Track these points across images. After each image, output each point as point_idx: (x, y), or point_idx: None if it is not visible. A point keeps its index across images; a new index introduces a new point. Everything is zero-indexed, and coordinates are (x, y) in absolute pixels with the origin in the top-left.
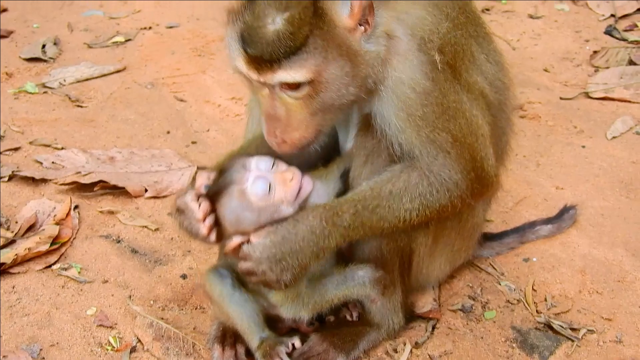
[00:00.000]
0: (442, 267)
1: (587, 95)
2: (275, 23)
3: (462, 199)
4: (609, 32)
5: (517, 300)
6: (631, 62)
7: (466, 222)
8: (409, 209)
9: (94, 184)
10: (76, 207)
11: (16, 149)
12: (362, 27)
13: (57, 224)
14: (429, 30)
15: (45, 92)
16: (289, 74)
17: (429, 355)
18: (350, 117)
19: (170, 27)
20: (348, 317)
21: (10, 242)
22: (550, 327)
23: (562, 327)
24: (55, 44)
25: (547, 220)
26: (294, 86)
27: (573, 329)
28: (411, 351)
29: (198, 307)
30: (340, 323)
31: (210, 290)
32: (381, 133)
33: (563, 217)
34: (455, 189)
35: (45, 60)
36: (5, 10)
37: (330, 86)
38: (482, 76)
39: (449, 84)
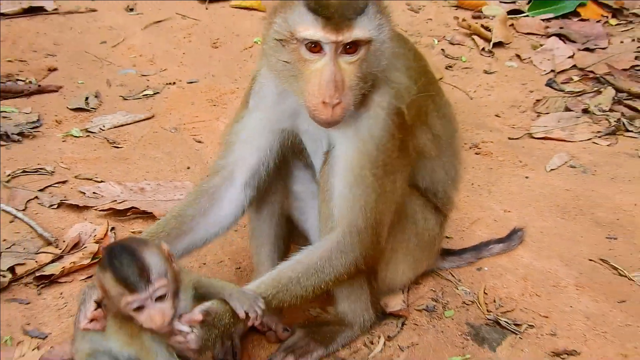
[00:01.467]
0: (406, 273)
1: (530, 135)
2: None
3: (357, 269)
4: (549, 84)
5: (471, 301)
6: (567, 109)
7: (422, 235)
8: (317, 282)
9: (127, 210)
10: (112, 228)
11: (64, 182)
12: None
13: (97, 242)
14: (405, 89)
15: (87, 136)
16: (360, 30)
17: (399, 346)
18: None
19: (191, 83)
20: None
21: (58, 258)
22: (498, 323)
23: (508, 323)
24: (96, 96)
25: (499, 240)
26: (354, 49)
27: (516, 325)
28: (384, 343)
29: None
30: (321, 322)
31: None
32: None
33: (512, 237)
34: (356, 261)
35: (88, 110)
36: (55, 69)
37: (377, 52)
38: (429, 134)
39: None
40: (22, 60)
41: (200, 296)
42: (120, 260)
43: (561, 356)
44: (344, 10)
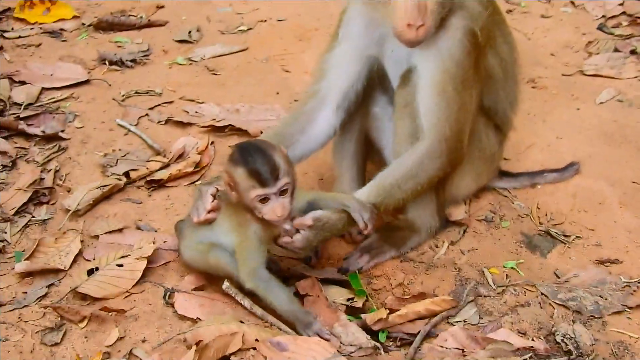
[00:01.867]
0: (469, 185)
1: (582, 72)
2: None
3: (445, 172)
4: (600, 28)
5: (525, 214)
6: (616, 50)
7: (484, 151)
8: (413, 186)
9: (225, 127)
10: (212, 142)
11: (170, 102)
12: None
13: (199, 154)
14: (478, 14)
15: (190, 64)
16: None
17: (460, 250)
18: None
19: (280, 20)
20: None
21: (166, 166)
22: (549, 234)
23: (557, 233)
24: (198, 30)
25: (555, 170)
26: None
27: (565, 235)
28: (448, 247)
29: None
30: (393, 227)
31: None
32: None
33: (567, 169)
34: (444, 166)
35: (191, 42)
36: (162, 7)
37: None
38: (497, 57)
39: (473, 57)
40: None
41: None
42: (254, 157)
43: (605, 264)
44: None
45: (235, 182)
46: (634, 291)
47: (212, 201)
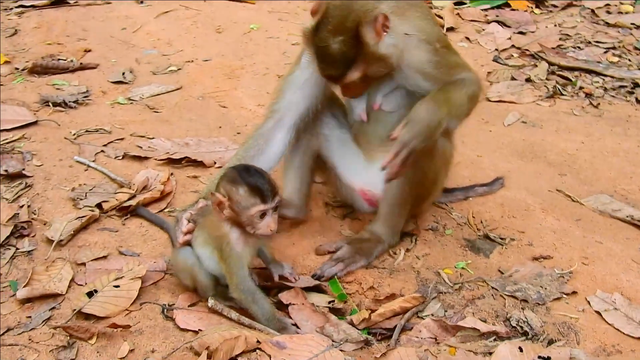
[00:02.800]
0: (438, 195)
1: (488, 99)
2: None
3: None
4: (495, 59)
5: (464, 223)
6: (513, 78)
7: (449, 163)
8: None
9: (181, 159)
10: (172, 174)
11: (122, 139)
12: (384, 32)
13: (162, 184)
14: (430, 32)
15: (131, 103)
16: (351, 76)
17: (416, 256)
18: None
19: (205, 60)
20: None
21: (133, 196)
22: (488, 237)
23: (495, 237)
24: (130, 72)
25: (484, 184)
26: None
27: (502, 238)
28: (405, 254)
29: None
30: (362, 240)
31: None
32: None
33: (495, 183)
34: (478, 82)
35: (126, 83)
36: (90, 50)
37: (375, 71)
38: None
39: (446, 53)
40: (59, 43)
41: None
42: (255, 177)
43: (539, 260)
44: (336, 68)
45: (234, 201)
46: (567, 280)
47: (187, 224)
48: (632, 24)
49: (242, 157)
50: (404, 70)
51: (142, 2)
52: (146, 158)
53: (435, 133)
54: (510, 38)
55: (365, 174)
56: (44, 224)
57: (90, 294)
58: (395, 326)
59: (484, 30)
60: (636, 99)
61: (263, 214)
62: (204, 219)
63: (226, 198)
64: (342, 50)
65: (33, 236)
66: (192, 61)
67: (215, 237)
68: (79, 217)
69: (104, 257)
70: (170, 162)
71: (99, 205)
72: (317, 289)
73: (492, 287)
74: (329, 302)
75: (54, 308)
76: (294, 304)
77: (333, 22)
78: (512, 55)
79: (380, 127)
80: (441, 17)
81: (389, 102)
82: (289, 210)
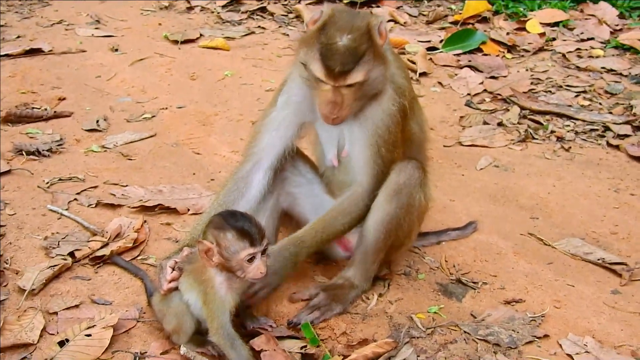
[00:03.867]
0: (412, 241)
1: (460, 143)
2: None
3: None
4: (468, 104)
5: (437, 267)
6: (485, 123)
7: (421, 212)
8: (342, 226)
9: (154, 207)
10: (145, 221)
11: (95, 187)
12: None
13: (135, 231)
14: (405, 89)
15: (105, 151)
16: (355, 76)
17: (388, 300)
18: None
19: (180, 107)
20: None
21: (106, 245)
22: (460, 282)
23: (467, 281)
24: (104, 119)
25: (457, 228)
26: (351, 84)
27: (474, 282)
28: (377, 299)
29: None
30: (336, 286)
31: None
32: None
33: (467, 227)
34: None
35: (100, 130)
36: (64, 98)
37: (373, 82)
38: (416, 123)
39: (400, 125)
40: (33, 92)
41: None
42: (242, 221)
43: (511, 303)
44: (344, 61)
45: (223, 247)
46: (539, 324)
47: (172, 272)
48: (602, 67)
49: (223, 202)
50: (368, 118)
51: (117, 50)
52: (119, 206)
53: (291, 271)
54: (482, 83)
55: None
56: (16, 273)
57: (61, 344)
58: None
59: (456, 75)
60: (607, 142)
61: (252, 258)
62: (190, 266)
63: (214, 244)
64: (353, 45)
65: (5, 285)
66: (166, 108)
67: (201, 281)
68: (51, 266)
69: (76, 306)
70: (144, 209)
71: (71, 254)
72: (290, 336)
73: (465, 332)
74: (302, 348)
75: (25, 358)
76: (266, 350)
77: (341, 22)
78: (485, 100)
79: (348, 174)
80: (414, 63)
81: (352, 150)
82: None
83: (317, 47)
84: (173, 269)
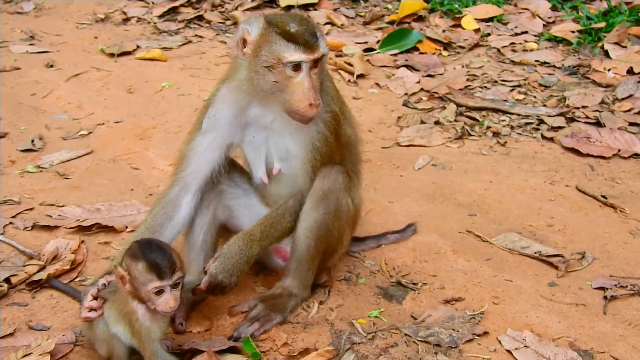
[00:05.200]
0: (341, 253)
1: (398, 144)
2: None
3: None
4: (405, 104)
5: (377, 270)
6: (422, 122)
7: (357, 214)
8: (289, 223)
9: (92, 226)
10: (82, 241)
11: (31, 209)
12: None
13: (73, 253)
14: (335, 95)
15: (41, 171)
16: (322, 48)
17: (329, 307)
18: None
19: (117, 122)
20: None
21: (43, 268)
22: (400, 284)
23: (407, 282)
24: (40, 139)
25: (396, 231)
26: (316, 64)
27: (414, 283)
28: (318, 306)
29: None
30: (275, 296)
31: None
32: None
33: (407, 229)
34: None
35: (35, 150)
36: None
37: (323, 65)
38: (350, 126)
39: (335, 133)
40: None
41: None
42: (154, 253)
43: (451, 302)
44: (310, 35)
45: (133, 276)
46: (479, 321)
47: (91, 300)
48: (536, 60)
49: (150, 226)
50: (298, 128)
51: (52, 66)
52: (56, 227)
53: (244, 269)
54: (419, 82)
55: None
56: None
57: None
58: None
59: (393, 75)
60: (542, 135)
61: (160, 291)
62: (114, 295)
63: (127, 272)
64: (306, 20)
65: None
66: (103, 124)
67: (125, 314)
68: None
69: (11, 334)
70: (81, 229)
71: (7, 280)
72: (231, 350)
73: (405, 334)
74: None
75: None
76: None
77: (278, 17)
78: (422, 99)
79: (282, 187)
80: (351, 65)
81: (286, 166)
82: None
83: (278, 38)
84: (95, 298)
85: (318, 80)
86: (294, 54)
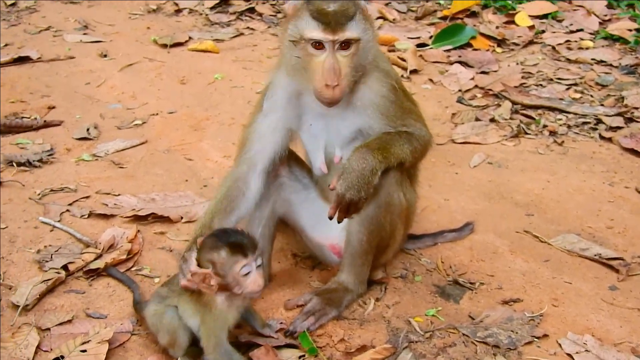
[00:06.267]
0: (396, 249)
1: (453, 141)
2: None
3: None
4: (459, 100)
5: (433, 269)
6: (477, 119)
7: (413, 210)
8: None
9: (147, 216)
10: (138, 231)
11: (87, 197)
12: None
13: (129, 242)
14: (390, 70)
15: (96, 160)
16: (350, 32)
17: (386, 305)
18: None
19: (170, 113)
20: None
21: (99, 256)
22: (457, 283)
23: (464, 282)
24: (95, 127)
25: (453, 230)
26: (347, 46)
27: (471, 283)
28: (374, 303)
29: None
30: (330, 290)
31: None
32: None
33: (464, 228)
34: (425, 139)
35: (90, 139)
36: (54, 107)
37: (365, 49)
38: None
39: (403, 96)
40: (22, 101)
41: None
42: (232, 235)
43: (509, 303)
44: (338, 17)
45: (218, 267)
46: (538, 323)
47: (196, 265)
48: (592, 59)
49: (226, 196)
50: (358, 107)
51: (105, 56)
52: (112, 216)
53: (371, 181)
54: (473, 78)
55: (335, 228)
56: (10, 289)
57: None
58: None
59: (447, 71)
60: (600, 135)
61: (247, 273)
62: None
63: (210, 267)
64: (344, 5)
65: None
66: (157, 114)
67: (203, 304)
68: (45, 280)
69: (69, 321)
70: (137, 219)
71: (65, 267)
72: (288, 344)
73: (463, 334)
74: (300, 357)
75: None
76: None
77: None
78: (476, 96)
79: None
80: (404, 60)
81: (347, 154)
82: None
83: (306, 14)
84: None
85: (350, 64)
86: (313, 32)
